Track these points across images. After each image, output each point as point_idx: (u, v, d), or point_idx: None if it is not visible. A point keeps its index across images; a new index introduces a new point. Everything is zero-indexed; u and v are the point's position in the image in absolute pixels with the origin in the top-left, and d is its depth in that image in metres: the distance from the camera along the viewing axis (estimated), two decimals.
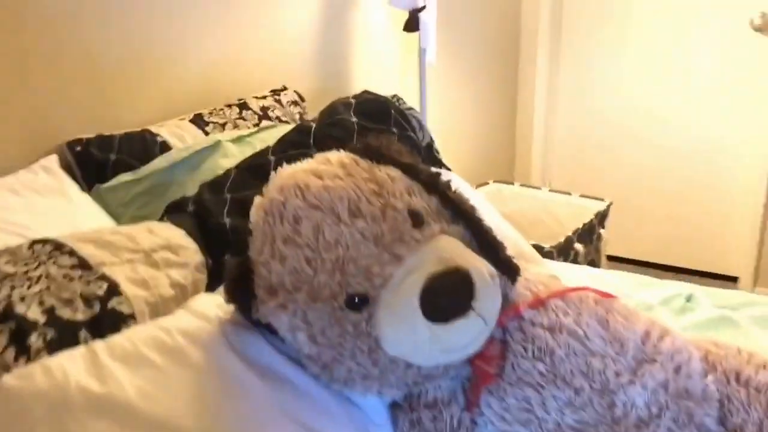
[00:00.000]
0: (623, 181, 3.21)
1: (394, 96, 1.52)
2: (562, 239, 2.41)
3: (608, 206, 2.73)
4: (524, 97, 3.28)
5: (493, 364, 0.88)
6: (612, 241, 2.73)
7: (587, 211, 2.66)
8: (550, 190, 2.90)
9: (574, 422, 0.85)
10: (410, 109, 1.46)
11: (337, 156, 0.90)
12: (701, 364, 0.92)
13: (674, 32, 2.88)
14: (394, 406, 0.92)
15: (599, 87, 3.17)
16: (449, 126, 2.80)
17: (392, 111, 1.38)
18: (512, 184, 2.96)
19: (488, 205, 1.47)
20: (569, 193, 2.85)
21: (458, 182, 1.33)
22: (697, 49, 2.84)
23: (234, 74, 1.78)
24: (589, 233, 2.59)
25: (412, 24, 2.08)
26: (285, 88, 1.87)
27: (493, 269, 0.84)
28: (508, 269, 0.91)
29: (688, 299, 1.51)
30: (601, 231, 2.68)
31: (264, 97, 1.80)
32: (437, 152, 1.51)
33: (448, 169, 1.52)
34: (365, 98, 1.41)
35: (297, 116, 1.82)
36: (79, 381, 0.78)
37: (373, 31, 2.20)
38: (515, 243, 1.31)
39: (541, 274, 1.05)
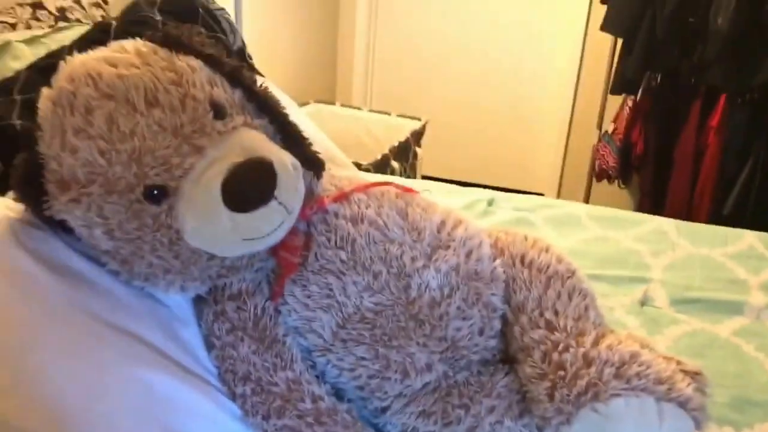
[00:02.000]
0: (439, 103, 3.33)
1: None
2: (378, 156, 2.47)
3: (424, 125, 2.82)
4: (345, 19, 3.28)
5: (296, 254, 0.90)
6: (426, 162, 2.84)
7: (404, 130, 2.73)
8: (369, 111, 2.94)
9: (372, 305, 0.89)
10: (221, 9, 1.41)
11: (133, 44, 0.86)
12: (491, 250, 0.99)
13: None
14: (198, 301, 0.92)
15: (417, 9, 3.23)
16: (269, 43, 2.75)
17: (200, 10, 1.34)
18: (333, 104, 2.97)
19: (304, 117, 1.48)
20: (388, 113, 2.91)
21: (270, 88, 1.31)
22: None
23: None
24: (405, 151, 2.67)
25: None
26: None
27: (296, 161, 0.85)
28: (312, 163, 0.92)
29: (490, 203, 1.61)
30: (417, 149, 2.77)
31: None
32: (250, 57, 1.48)
33: (261, 75, 1.49)
34: None
35: (100, 19, 1.71)
36: None
37: None
38: (325, 148, 1.33)
39: (348, 174, 1.07)
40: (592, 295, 0.96)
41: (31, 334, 0.76)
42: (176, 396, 0.81)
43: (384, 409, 0.92)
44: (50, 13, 1.61)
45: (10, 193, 0.92)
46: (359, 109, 2.94)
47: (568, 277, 0.96)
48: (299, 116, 1.36)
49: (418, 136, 2.76)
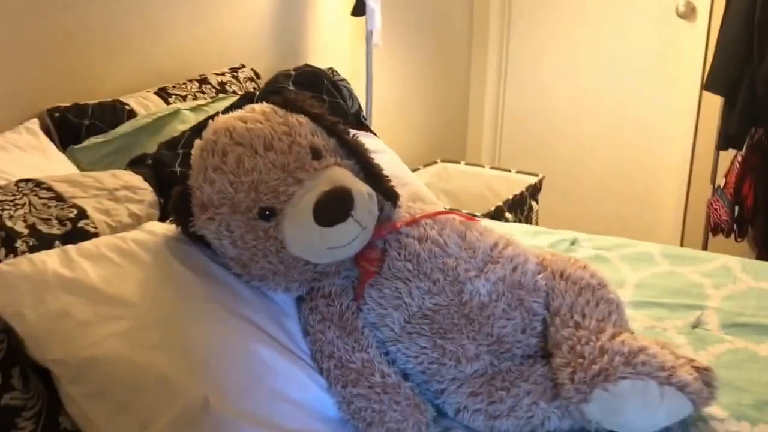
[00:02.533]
0: (563, 158, 3.50)
1: (330, 69, 1.79)
2: (492, 208, 2.70)
3: (540, 180, 3.02)
4: (476, 82, 3.55)
5: (374, 265, 1.16)
6: (547, 215, 3.02)
7: (520, 184, 2.95)
8: (491, 168, 3.19)
9: (431, 305, 1.13)
10: (342, 80, 1.74)
11: (260, 106, 1.18)
12: (536, 266, 1.21)
13: (608, 20, 3.16)
14: (299, 300, 1.20)
15: (543, 71, 3.45)
16: (401, 106, 3.07)
17: (325, 81, 1.66)
18: (459, 163, 3.24)
19: (403, 166, 1.75)
20: (508, 170, 3.14)
21: (376, 144, 1.61)
22: (629, 34, 3.12)
23: (198, 53, 2.03)
24: (520, 204, 2.88)
25: (358, 9, 2.34)
26: (243, 66, 2.14)
27: (372, 191, 1.12)
28: (388, 195, 1.19)
29: (573, 243, 1.81)
30: (533, 203, 2.96)
31: (223, 74, 2.06)
32: (365, 119, 1.78)
33: (374, 134, 1.79)
34: (303, 70, 1.68)
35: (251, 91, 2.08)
36: (55, 268, 1.05)
37: (325, 15, 2.46)
38: (416, 189, 1.59)
39: (424, 206, 1.33)
40: (618, 303, 1.16)
41: (177, 310, 1.06)
42: (278, 366, 1.08)
43: (442, 391, 1.15)
44: (212, 86, 1.99)
45: (168, 221, 1.25)
46: (482, 166, 3.19)
47: (598, 289, 1.17)
48: (394, 162, 1.63)
49: (534, 190, 2.96)
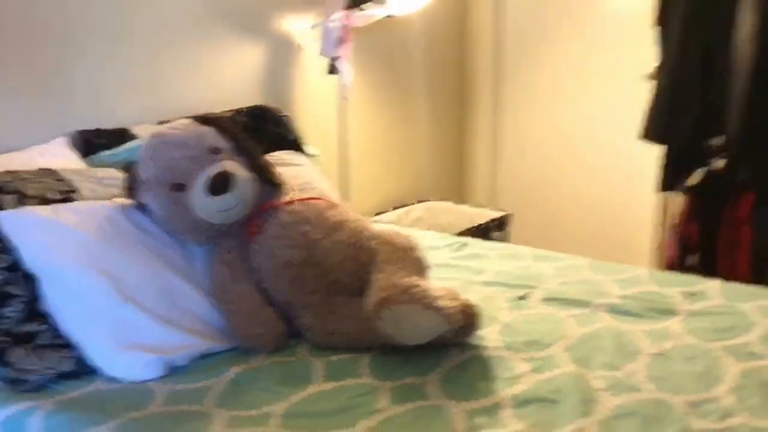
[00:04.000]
0: (561, 193, 3.89)
1: (276, 108, 2.38)
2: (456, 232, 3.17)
3: (506, 215, 3.49)
4: (470, 124, 4.03)
5: (257, 228, 1.70)
6: (530, 238, 3.45)
7: (487, 217, 3.43)
8: (471, 206, 3.68)
9: (290, 255, 1.66)
10: (284, 115, 2.33)
11: (186, 121, 1.76)
12: (371, 235, 1.72)
13: (588, 75, 3.59)
14: (208, 250, 1.75)
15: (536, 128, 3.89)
16: (397, 150, 3.58)
17: (268, 114, 2.25)
18: (447, 201, 3.74)
19: (315, 175, 2.27)
20: (484, 206, 3.63)
21: (299, 160, 2.18)
22: (609, 89, 3.52)
23: (197, 97, 2.62)
24: (485, 232, 3.35)
25: (332, 69, 2.92)
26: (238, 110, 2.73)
27: (249, 175, 1.67)
28: (271, 182, 1.74)
29: (463, 245, 2.29)
30: (496, 233, 3.42)
31: (225, 113, 2.65)
32: (302, 144, 2.35)
33: (308, 154, 2.35)
34: (255, 107, 2.30)
35: None
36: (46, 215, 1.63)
37: (311, 69, 3.04)
38: (322, 190, 2.11)
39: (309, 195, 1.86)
40: (418, 259, 1.66)
41: (117, 246, 1.62)
42: (180, 285, 1.63)
43: (296, 315, 1.67)
44: None
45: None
46: (465, 204, 3.69)
47: (408, 250, 1.67)
48: (309, 171, 2.18)
49: (499, 223, 3.43)
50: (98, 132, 2.31)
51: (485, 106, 3.95)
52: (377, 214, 3.41)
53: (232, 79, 2.72)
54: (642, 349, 1.56)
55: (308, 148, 2.42)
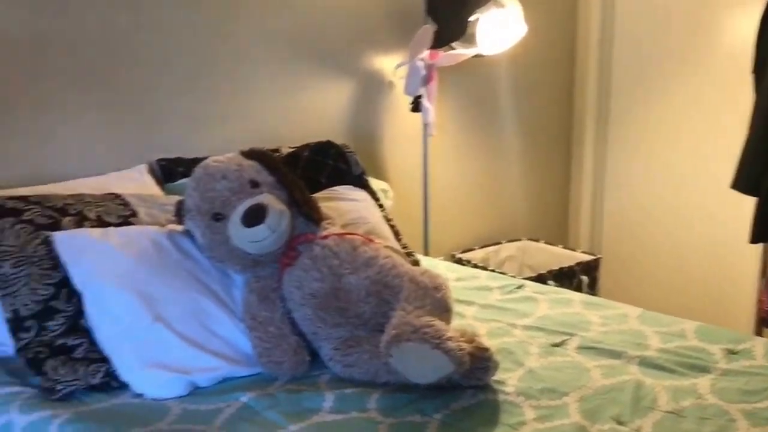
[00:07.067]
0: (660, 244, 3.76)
1: (343, 144, 2.45)
2: (535, 274, 3.13)
3: (597, 259, 3.41)
4: (570, 174, 3.97)
5: (290, 260, 1.77)
6: (619, 292, 3.35)
7: (574, 260, 3.35)
8: (563, 247, 3.62)
9: (317, 288, 1.72)
10: (350, 152, 2.39)
11: (231, 154, 1.86)
12: (399, 273, 1.74)
13: (699, 119, 3.45)
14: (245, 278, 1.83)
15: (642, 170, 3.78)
16: (501, 188, 3.61)
17: (332, 150, 2.33)
18: (538, 241, 3.69)
19: (373, 211, 2.29)
20: (574, 249, 3.56)
21: (359, 196, 2.24)
22: (717, 136, 3.36)
23: (277, 129, 2.73)
24: (569, 276, 3.28)
25: (415, 107, 2.98)
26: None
27: (285, 209, 1.74)
28: (308, 217, 1.81)
29: (519, 287, 2.27)
30: (583, 277, 3.34)
31: (294, 148, 2.76)
32: (366, 180, 2.40)
33: (372, 192, 2.39)
34: (321, 142, 2.37)
35: None
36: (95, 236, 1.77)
37: (401, 107, 3.11)
38: (373, 227, 2.15)
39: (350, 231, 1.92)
40: (441, 299, 1.67)
41: (155, 268, 1.73)
42: (213, 311, 1.72)
43: (319, 346, 1.72)
44: (281, 155, 2.71)
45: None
46: (556, 246, 3.63)
47: (431, 289, 1.68)
48: (367, 207, 2.22)
49: (587, 267, 3.34)
50: (178, 161, 2.47)
51: (588, 147, 3.88)
52: (464, 251, 3.42)
53: (317, 114, 2.84)
54: (658, 405, 1.50)
55: (374, 183, 2.47)
